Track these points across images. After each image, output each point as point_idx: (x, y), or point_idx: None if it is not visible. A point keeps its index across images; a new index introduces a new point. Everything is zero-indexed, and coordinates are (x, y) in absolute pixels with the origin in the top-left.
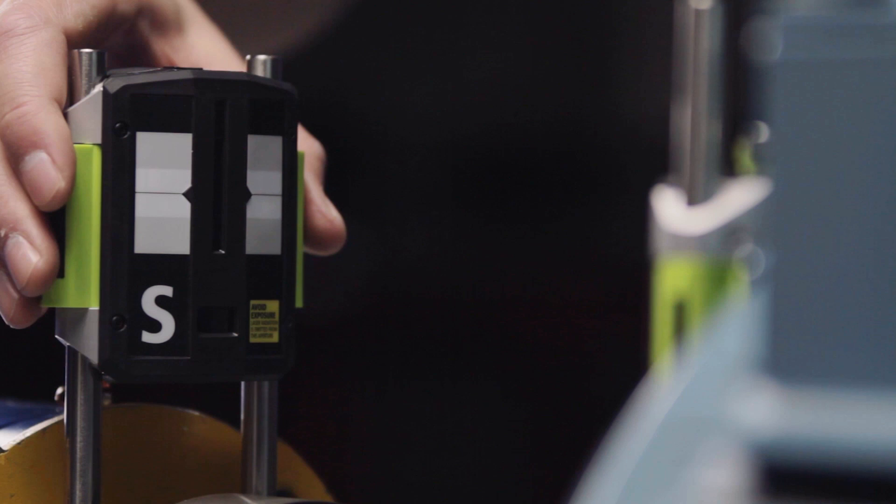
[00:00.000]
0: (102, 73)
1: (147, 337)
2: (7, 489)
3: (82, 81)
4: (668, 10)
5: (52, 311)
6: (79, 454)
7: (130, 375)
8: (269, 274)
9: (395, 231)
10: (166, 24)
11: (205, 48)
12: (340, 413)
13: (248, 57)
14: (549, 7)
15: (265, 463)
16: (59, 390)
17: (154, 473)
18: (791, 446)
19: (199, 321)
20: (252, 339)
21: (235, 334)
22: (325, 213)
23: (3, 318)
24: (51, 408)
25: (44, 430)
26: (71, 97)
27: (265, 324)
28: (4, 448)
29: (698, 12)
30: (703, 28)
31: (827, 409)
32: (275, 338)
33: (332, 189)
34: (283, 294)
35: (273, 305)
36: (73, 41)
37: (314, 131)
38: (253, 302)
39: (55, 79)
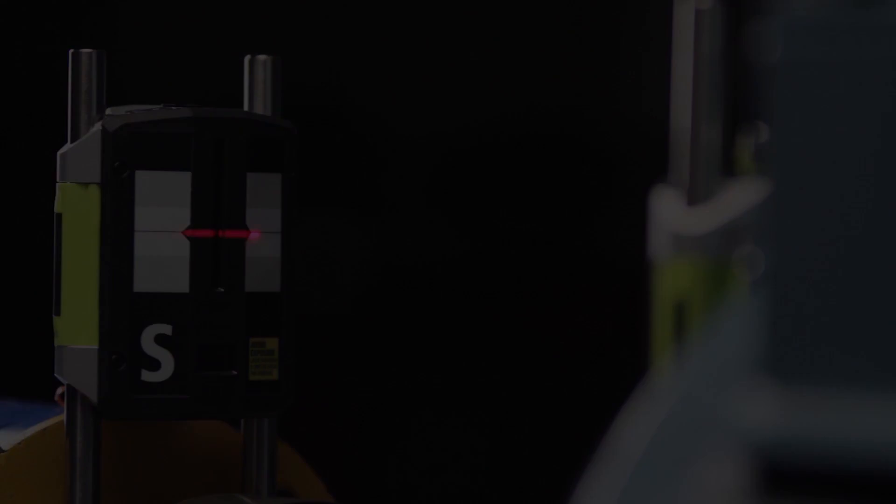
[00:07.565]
0: (102, 113)
1: (146, 375)
2: (7, 489)
3: (83, 81)
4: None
5: (49, 318)
6: (79, 454)
7: (129, 414)
8: (269, 311)
9: (395, 230)
10: None
11: None
12: (340, 412)
13: (247, 57)
14: (549, 7)
15: (265, 463)
16: (60, 390)
17: (154, 473)
18: (791, 446)
19: (199, 359)
20: (251, 377)
21: (235, 372)
22: None
23: None
24: (51, 408)
25: (44, 430)
26: (75, 97)
27: (265, 361)
28: (4, 448)
29: (698, 12)
30: (703, 28)
31: (827, 409)
32: (274, 375)
33: (334, 187)
34: (283, 331)
35: (273, 343)
36: None
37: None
38: (252, 340)
39: None
